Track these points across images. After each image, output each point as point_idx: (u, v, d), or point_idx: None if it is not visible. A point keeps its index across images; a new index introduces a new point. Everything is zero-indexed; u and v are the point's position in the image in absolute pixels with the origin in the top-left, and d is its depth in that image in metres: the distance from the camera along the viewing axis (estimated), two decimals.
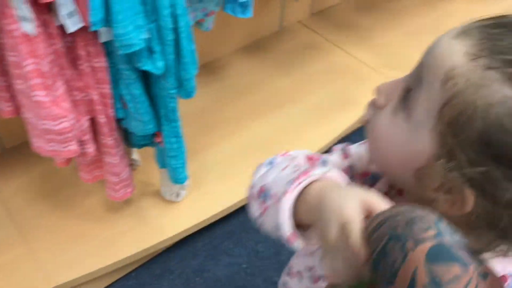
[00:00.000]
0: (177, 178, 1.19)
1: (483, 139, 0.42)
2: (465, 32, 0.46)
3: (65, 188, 1.41)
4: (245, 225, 1.49)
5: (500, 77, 0.41)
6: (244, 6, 1.35)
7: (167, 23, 0.89)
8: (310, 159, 0.62)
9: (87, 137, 1.04)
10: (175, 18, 0.89)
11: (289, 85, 1.77)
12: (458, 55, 0.44)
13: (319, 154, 0.63)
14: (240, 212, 1.48)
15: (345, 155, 0.63)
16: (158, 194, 1.38)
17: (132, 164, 1.42)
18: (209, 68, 1.83)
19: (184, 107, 1.63)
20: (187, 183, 1.35)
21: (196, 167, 1.46)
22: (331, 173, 0.49)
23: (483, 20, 0.47)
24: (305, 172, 0.50)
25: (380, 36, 1.99)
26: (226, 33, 1.82)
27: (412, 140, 0.47)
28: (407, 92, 0.48)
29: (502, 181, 0.42)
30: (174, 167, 1.15)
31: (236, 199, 1.42)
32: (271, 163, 0.60)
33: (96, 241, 1.30)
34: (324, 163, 0.61)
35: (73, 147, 0.99)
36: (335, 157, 0.62)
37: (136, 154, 1.41)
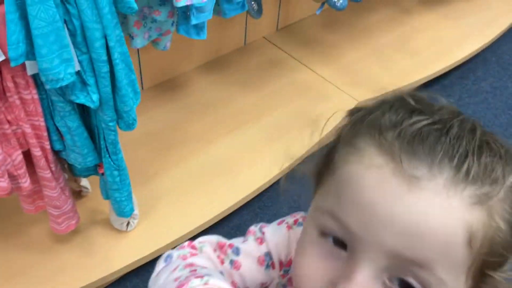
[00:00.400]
0: (122, 211, 1.13)
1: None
2: (421, 185, 0.38)
3: (12, 216, 1.34)
4: None
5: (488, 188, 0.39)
6: (198, 28, 1.30)
7: (100, 55, 0.83)
8: (221, 247, 0.56)
9: (22, 171, 0.98)
10: (108, 50, 0.84)
11: (251, 103, 1.72)
12: (457, 216, 0.38)
13: (232, 241, 0.58)
14: (195, 239, 1.42)
15: (260, 240, 0.57)
16: (108, 223, 1.32)
17: (81, 191, 1.36)
18: (170, 86, 1.77)
19: (140, 127, 1.58)
20: (137, 211, 1.29)
21: (149, 193, 1.40)
22: (213, 280, 0.43)
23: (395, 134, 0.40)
24: (181, 284, 0.44)
25: (345, 53, 1.95)
26: (188, 48, 1.77)
27: None
28: (387, 279, 0.40)
29: None
30: (118, 200, 1.10)
31: (191, 227, 1.37)
32: (167, 259, 0.54)
33: (41, 273, 1.23)
34: (237, 251, 0.56)
35: (3, 183, 0.93)
36: (249, 244, 0.57)
37: (85, 180, 1.34)
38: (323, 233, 0.42)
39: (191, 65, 1.83)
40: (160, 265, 0.53)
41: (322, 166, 0.46)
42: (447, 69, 1.97)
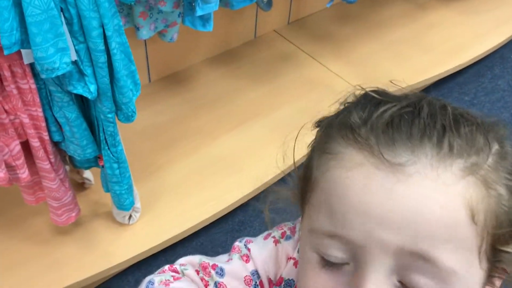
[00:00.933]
0: (122, 205, 1.11)
1: None
2: (409, 171, 0.36)
3: (14, 207, 1.34)
4: (204, 249, 1.42)
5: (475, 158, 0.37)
6: (204, 20, 1.28)
7: (97, 44, 0.81)
8: (204, 268, 0.53)
9: (20, 162, 0.96)
10: (105, 39, 0.82)
11: (259, 97, 1.69)
12: (453, 192, 0.36)
13: (216, 260, 0.54)
14: (198, 235, 1.41)
15: (246, 257, 0.54)
16: (110, 216, 1.31)
17: (84, 183, 1.35)
18: (177, 79, 1.75)
19: (145, 121, 1.57)
20: (139, 205, 1.27)
21: (152, 187, 1.38)
22: None
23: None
24: None
25: (357, 48, 1.91)
26: (196, 41, 1.74)
27: None
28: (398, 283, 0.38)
29: None
30: (117, 193, 1.08)
31: (194, 222, 1.35)
32: (148, 285, 0.51)
33: (41, 265, 1.22)
34: (221, 272, 0.53)
35: (1, 174, 0.92)
36: (234, 263, 0.53)
37: (88, 172, 1.33)
38: (326, 261, 0.39)
39: (199, 57, 1.81)
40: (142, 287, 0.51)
41: (303, 185, 0.43)
42: (462, 66, 1.91)
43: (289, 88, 1.72)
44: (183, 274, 0.53)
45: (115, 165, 1.01)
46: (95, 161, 1.09)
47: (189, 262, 0.54)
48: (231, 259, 0.54)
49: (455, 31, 2.03)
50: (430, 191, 0.34)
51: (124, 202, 1.10)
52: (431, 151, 0.35)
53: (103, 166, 1.08)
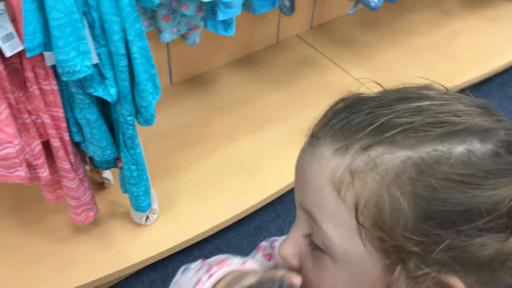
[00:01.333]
0: (139, 206, 1.12)
1: (420, 215, 0.36)
2: (315, 142, 0.41)
3: (34, 204, 1.36)
4: (220, 251, 1.42)
5: (381, 150, 0.37)
6: (226, 24, 1.28)
7: (118, 48, 0.82)
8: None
9: (40, 161, 0.98)
10: (127, 43, 0.83)
11: (280, 102, 1.69)
12: (325, 164, 0.39)
13: (243, 259, 0.55)
14: (214, 237, 1.41)
15: (269, 256, 0.55)
16: (128, 216, 1.32)
17: (103, 183, 1.36)
18: (198, 81, 1.76)
19: (165, 122, 1.58)
20: (156, 206, 1.28)
21: (170, 188, 1.39)
22: (250, 262, 0.47)
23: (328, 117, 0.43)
24: (216, 264, 0.47)
25: (380, 54, 1.89)
26: (218, 44, 1.75)
27: (356, 274, 0.40)
28: (311, 239, 0.42)
29: (472, 240, 0.36)
30: (135, 195, 1.09)
31: (210, 225, 1.35)
32: (184, 270, 0.53)
33: (58, 263, 1.24)
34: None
35: (21, 172, 0.93)
36: (257, 260, 0.55)
37: (108, 172, 1.35)
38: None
39: (221, 61, 1.82)
40: (177, 276, 0.53)
41: None
42: (488, 75, 1.88)
43: (310, 93, 1.72)
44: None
45: (133, 167, 1.02)
46: (114, 162, 1.10)
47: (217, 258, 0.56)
48: (254, 256, 0.56)
49: (480, 39, 2.00)
50: (314, 159, 0.40)
51: (141, 203, 1.11)
52: (329, 131, 0.40)
53: (121, 168, 1.09)
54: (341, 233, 0.39)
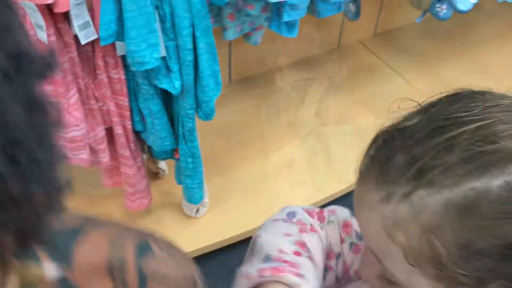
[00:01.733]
0: (192, 198, 1.15)
1: (467, 255, 0.38)
2: (362, 181, 0.45)
3: (94, 188, 1.41)
4: None
5: (421, 194, 0.39)
6: (290, 25, 1.29)
7: (186, 43, 0.85)
8: (346, 226, 0.59)
9: (102, 146, 1.02)
10: (195, 39, 0.85)
11: (336, 108, 1.68)
12: (375, 215, 0.42)
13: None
14: None
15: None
16: (179, 207, 1.35)
17: (158, 173, 1.40)
18: (257, 81, 1.78)
19: (222, 119, 1.60)
20: (207, 200, 1.30)
21: (221, 184, 1.41)
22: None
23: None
24: (277, 268, 0.50)
25: (446, 68, 1.84)
26: (279, 45, 1.75)
27: None
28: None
29: None
30: (189, 187, 1.12)
31: (256, 224, 1.35)
32: (289, 214, 0.58)
33: None
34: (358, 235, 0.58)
35: (84, 155, 0.98)
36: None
37: (163, 163, 1.38)
38: None
39: (281, 62, 1.82)
40: (282, 213, 0.59)
41: None
42: None
43: (369, 102, 1.69)
44: (327, 224, 0.59)
45: (190, 159, 1.05)
46: (172, 153, 1.13)
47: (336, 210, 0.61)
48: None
49: None
50: (363, 207, 0.43)
51: (194, 195, 1.14)
52: (378, 174, 0.42)
53: (178, 159, 1.12)
54: (401, 268, 0.42)
